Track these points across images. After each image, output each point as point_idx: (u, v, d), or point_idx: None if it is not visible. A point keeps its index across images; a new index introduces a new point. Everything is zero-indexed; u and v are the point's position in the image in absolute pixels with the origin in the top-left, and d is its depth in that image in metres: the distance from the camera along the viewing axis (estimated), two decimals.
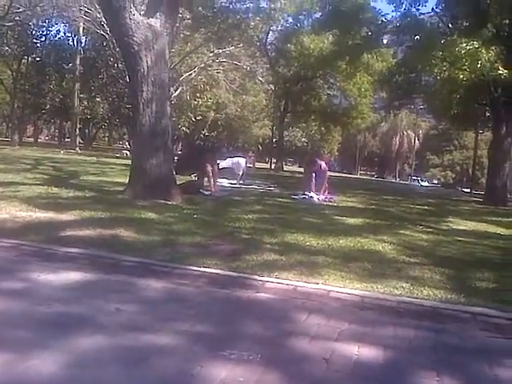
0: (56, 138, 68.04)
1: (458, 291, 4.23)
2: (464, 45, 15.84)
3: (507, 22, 19.16)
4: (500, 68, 15.91)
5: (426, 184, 51.37)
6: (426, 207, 14.13)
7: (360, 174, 74.79)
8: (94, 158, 25.14)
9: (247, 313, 3.38)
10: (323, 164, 13.16)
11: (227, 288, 3.88)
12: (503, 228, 9.89)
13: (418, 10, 20.90)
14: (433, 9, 22.04)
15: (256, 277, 4.22)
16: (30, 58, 45.42)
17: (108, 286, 3.72)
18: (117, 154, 38.71)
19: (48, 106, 48.49)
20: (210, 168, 11.33)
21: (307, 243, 5.95)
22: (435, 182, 66.59)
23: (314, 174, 12.85)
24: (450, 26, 21.69)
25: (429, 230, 8.43)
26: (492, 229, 9.69)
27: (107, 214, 6.86)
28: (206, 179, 11.59)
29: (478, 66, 15.93)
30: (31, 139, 57.67)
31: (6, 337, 2.63)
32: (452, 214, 12.38)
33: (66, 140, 56.97)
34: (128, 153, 37.65)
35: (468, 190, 40.12)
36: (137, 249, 4.91)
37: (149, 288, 3.74)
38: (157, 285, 3.83)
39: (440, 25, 21.83)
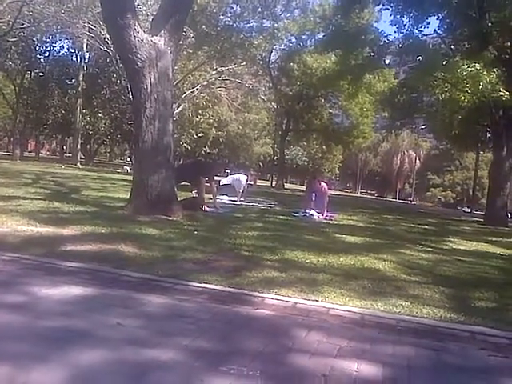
0: (57, 153, 68.16)
1: (458, 310, 4.24)
2: (466, 66, 15.99)
3: (508, 44, 19.34)
4: (501, 90, 16.04)
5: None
6: (426, 226, 14.15)
7: (361, 193, 74.83)
8: (95, 174, 25.22)
9: (247, 329, 3.38)
10: (324, 185, 13.22)
11: (227, 304, 3.89)
12: (503, 248, 9.90)
13: (420, 31, 21.15)
14: (435, 30, 22.26)
15: (256, 293, 4.23)
16: (33, 73, 45.59)
17: (108, 300, 3.72)
18: (118, 170, 38.81)
19: (50, 121, 48.66)
20: (203, 181, 11.39)
21: (307, 260, 5.96)
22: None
23: (313, 194, 12.92)
24: (452, 47, 21.90)
25: (429, 249, 8.44)
26: (492, 249, 9.70)
27: (108, 229, 6.88)
28: (207, 196, 11.64)
29: (480, 87, 16.07)
30: (32, 154, 57.75)
31: (6, 350, 2.63)
32: (452, 233, 12.40)
33: (67, 155, 57.05)
34: (129, 168, 37.79)
35: (468, 210, 40.19)
36: (137, 264, 4.92)
37: (149, 303, 3.74)
38: (157, 300, 3.83)
39: (442, 46, 22.02)
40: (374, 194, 75.38)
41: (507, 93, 15.97)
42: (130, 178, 12.49)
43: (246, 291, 4.28)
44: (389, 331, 3.60)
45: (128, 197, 9.69)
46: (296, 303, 4.05)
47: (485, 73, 15.83)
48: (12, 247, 5.14)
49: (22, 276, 4.21)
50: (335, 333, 3.42)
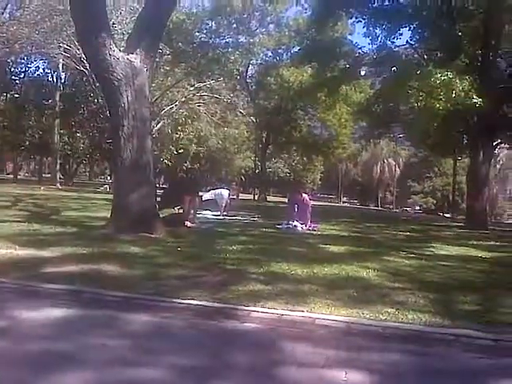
0: (36, 174, 67.44)
1: (443, 314, 4.26)
2: (439, 75, 16.23)
3: (479, 52, 19.69)
4: (474, 97, 16.28)
5: None
6: (408, 233, 14.21)
7: (343, 202, 75.17)
8: (76, 194, 24.96)
9: (234, 343, 3.36)
10: (306, 197, 13.25)
11: (213, 319, 3.87)
12: (484, 251, 9.96)
13: (393, 42, 21.34)
14: (407, 41, 22.49)
15: (242, 307, 4.20)
16: (8, 95, 45.12)
17: (92, 321, 3.68)
18: (98, 189, 38.50)
19: (27, 143, 48.00)
20: (188, 199, 11.35)
21: (292, 272, 5.95)
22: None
23: (296, 205, 12.95)
24: (425, 57, 22.21)
25: (412, 255, 8.47)
26: (474, 252, 9.76)
27: (89, 249, 6.80)
28: (192, 211, 11.59)
29: (453, 95, 16.31)
30: (11, 176, 57.05)
31: None
32: (434, 239, 12.48)
33: (46, 176, 56.38)
34: (108, 187, 37.48)
35: (449, 216, 40.60)
36: (121, 283, 4.86)
37: (134, 322, 3.71)
38: (142, 319, 3.80)
39: (415, 56, 22.32)
40: (355, 203, 75.69)
41: (480, 99, 16.23)
42: (110, 196, 12.38)
43: (231, 305, 4.25)
44: (375, 338, 3.61)
45: (109, 216, 9.60)
46: (282, 315, 4.03)
47: (457, 81, 16.10)
48: None
49: (3, 300, 4.13)
50: (322, 343, 3.41)
